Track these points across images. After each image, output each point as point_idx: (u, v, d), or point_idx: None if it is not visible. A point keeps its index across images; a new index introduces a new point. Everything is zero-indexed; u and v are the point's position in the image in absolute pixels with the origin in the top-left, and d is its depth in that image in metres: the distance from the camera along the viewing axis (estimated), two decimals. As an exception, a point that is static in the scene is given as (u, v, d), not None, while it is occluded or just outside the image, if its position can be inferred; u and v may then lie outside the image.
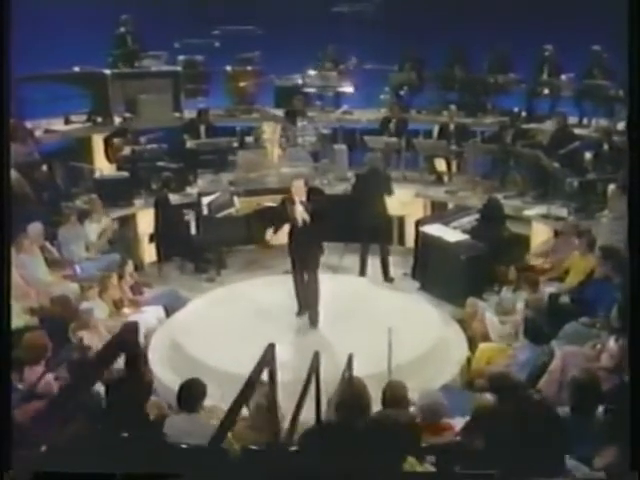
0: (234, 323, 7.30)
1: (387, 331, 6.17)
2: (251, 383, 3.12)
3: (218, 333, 7.11)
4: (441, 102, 11.43)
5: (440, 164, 10.44)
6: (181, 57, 11.18)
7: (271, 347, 3.62)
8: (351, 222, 8.65)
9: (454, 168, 10.37)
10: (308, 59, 11.80)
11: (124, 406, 4.74)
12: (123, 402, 4.77)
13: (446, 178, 10.40)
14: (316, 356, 4.67)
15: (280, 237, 10.14)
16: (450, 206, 10.03)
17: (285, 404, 4.49)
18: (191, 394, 4.66)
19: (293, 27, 11.52)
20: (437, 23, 11.35)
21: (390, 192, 8.68)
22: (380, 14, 11.44)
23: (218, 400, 5.01)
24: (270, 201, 9.63)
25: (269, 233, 7.66)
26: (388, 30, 11.47)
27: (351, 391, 4.47)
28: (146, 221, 9.61)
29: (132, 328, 2.41)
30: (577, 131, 9.73)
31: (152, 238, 9.43)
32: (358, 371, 5.99)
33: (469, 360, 7.10)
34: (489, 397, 4.43)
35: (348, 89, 11.47)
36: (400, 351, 6.30)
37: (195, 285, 9.03)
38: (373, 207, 8.63)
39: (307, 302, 7.41)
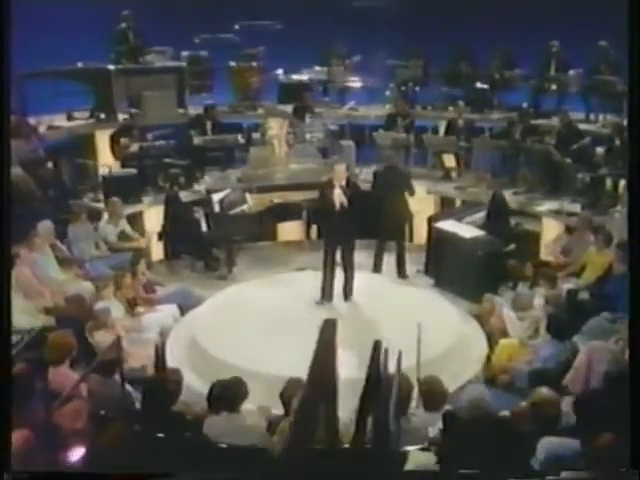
0: (254, 321, 7.25)
1: (413, 327, 6.16)
2: (375, 382, 3.05)
3: (239, 331, 7.06)
4: (447, 98, 11.47)
5: (449, 160, 10.46)
6: (185, 53, 11.10)
7: (378, 344, 3.62)
8: (368, 219, 8.60)
9: (463, 164, 10.39)
10: (313, 55, 11.82)
11: (158, 407, 4.75)
12: (156, 403, 4.77)
13: (455, 174, 10.43)
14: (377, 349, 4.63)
15: (290, 234, 10.32)
16: (458, 202, 10.10)
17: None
18: (233, 394, 4.61)
19: (297, 23, 11.50)
20: (442, 20, 11.40)
21: (412, 191, 8.71)
22: (386, 11, 11.45)
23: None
24: (281, 198, 9.68)
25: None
26: (393, 27, 11.49)
27: (405, 388, 4.48)
28: (154, 218, 9.55)
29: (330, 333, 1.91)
30: (584, 127, 9.83)
31: (161, 236, 9.36)
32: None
33: (488, 356, 7.13)
34: (546, 391, 4.45)
35: (354, 84, 11.48)
36: (425, 347, 6.29)
37: (207, 283, 8.95)
38: (393, 204, 8.65)
39: (332, 289, 7.61)
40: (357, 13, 11.65)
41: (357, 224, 7.66)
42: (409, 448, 4.34)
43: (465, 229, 8.44)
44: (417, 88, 11.77)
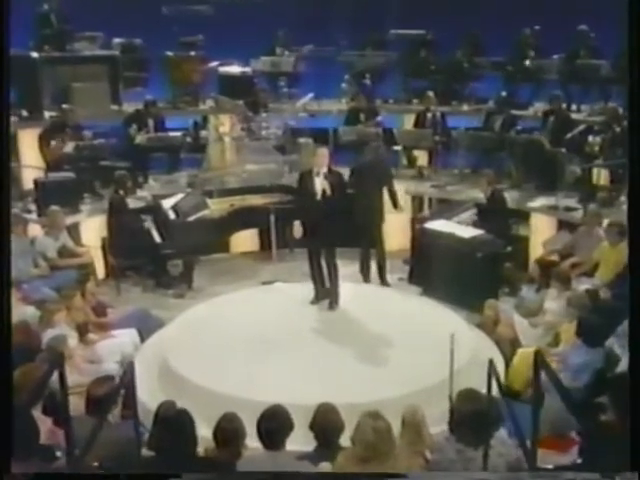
0: (236, 343, 6.69)
1: (427, 339, 5.90)
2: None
3: (221, 355, 6.48)
4: (409, 90, 11.28)
5: (420, 157, 10.23)
6: (117, 40, 10.41)
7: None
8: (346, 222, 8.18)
9: (436, 160, 10.18)
10: (258, 44, 11.36)
11: (180, 450, 4.14)
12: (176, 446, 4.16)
13: (426, 172, 10.18)
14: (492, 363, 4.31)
15: (244, 244, 9.80)
16: (433, 202, 9.85)
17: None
18: (276, 426, 4.05)
19: (240, 7, 11.07)
20: (401, 3, 11.16)
21: (393, 190, 8.37)
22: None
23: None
24: (240, 202, 9.17)
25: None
26: (347, 11, 11.22)
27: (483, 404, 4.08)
28: (93, 230, 8.86)
29: None
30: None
31: (104, 249, 8.65)
32: (419, 382, 5.79)
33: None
34: None
35: (306, 76, 11.14)
36: (442, 361, 5.94)
37: (163, 302, 8.36)
38: (372, 205, 8.27)
39: (324, 285, 7.33)
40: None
41: (340, 220, 7.29)
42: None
43: (461, 229, 8.15)
44: (367, 81, 11.33)
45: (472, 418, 3.95)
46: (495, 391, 4.56)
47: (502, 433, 4.55)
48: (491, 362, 4.34)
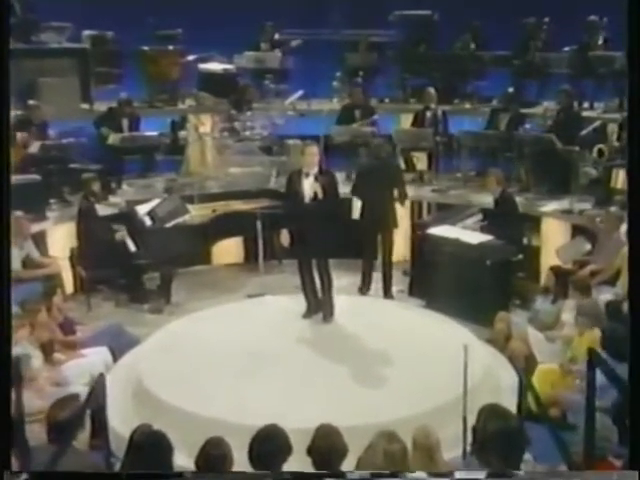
0: (220, 361, 6.42)
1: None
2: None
3: (205, 376, 6.19)
4: (406, 87, 11.15)
5: (419, 160, 10.03)
6: (87, 32, 10.18)
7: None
8: (348, 231, 7.93)
9: (437, 163, 9.97)
10: (242, 38, 11.21)
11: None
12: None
13: (426, 175, 9.97)
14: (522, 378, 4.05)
15: (227, 255, 9.55)
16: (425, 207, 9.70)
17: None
18: (271, 449, 3.75)
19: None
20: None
21: (404, 193, 8.24)
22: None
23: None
24: (223, 208, 8.92)
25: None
26: (340, 2, 11.11)
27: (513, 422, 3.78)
28: (60, 239, 8.63)
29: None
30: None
31: (72, 260, 8.36)
32: (428, 402, 5.55)
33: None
34: None
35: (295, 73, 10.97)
36: (454, 378, 5.66)
37: (138, 318, 8.08)
38: (383, 212, 8.11)
39: (317, 298, 7.13)
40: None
41: (333, 226, 6.99)
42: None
43: (468, 234, 7.91)
44: (360, 79, 11.05)
45: (500, 438, 3.63)
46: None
47: (528, 457, 4.30)
48: (521, 377, 4.03)
